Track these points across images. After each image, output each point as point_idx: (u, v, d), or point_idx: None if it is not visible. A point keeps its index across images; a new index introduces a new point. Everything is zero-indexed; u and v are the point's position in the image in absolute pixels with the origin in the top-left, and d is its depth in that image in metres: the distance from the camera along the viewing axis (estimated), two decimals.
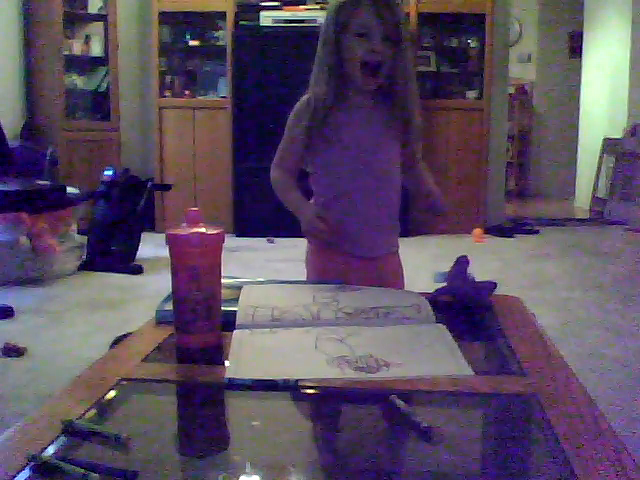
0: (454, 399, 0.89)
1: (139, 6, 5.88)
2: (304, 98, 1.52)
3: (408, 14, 5.30)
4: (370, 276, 1.51)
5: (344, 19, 1.44)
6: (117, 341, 2.27)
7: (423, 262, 4.03)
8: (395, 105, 1.49)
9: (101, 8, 5.46)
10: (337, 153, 1.51)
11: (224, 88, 5.66)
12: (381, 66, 1.44)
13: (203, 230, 1.04)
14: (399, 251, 1.66)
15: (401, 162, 1.57)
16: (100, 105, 5.56)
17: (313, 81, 1.51)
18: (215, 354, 1.04)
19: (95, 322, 3.21)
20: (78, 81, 5.48)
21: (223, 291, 1.09)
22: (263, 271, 4.21)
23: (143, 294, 3.67)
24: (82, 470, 0.66)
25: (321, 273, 1.57)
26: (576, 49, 8.51)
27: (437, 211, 1.57)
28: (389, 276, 1.59)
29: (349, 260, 1.55)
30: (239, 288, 1.27)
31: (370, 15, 1.42)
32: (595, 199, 7.31)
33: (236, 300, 1.20)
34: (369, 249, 1.56)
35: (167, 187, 5.27)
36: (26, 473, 0.68)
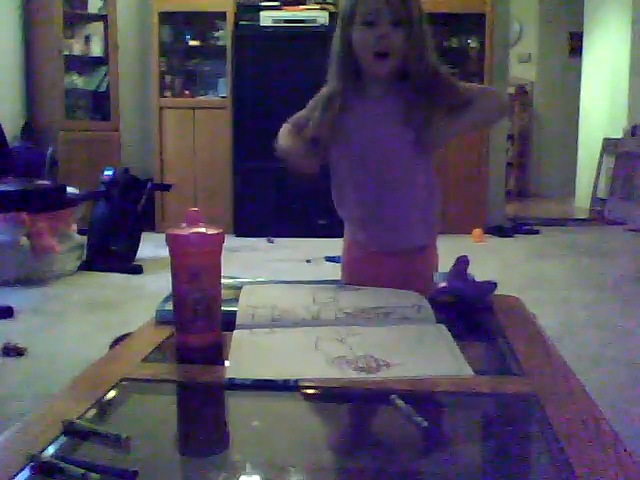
0: (454, 399, 0.89)
1: (139, 6, 5.88)
2: (324, 90, 1.51)
3: None
4: (400, 271, 1.51)
5: (351, 10, 1.41)
6: (117, 341, 2.27)
7: None
8: (414, 88, 1.42)
9: (101, 8, 5.46)
10: (353, 146, 1.48)
11: (224, 88, 5.66)
12: (391, 53, 1.40)
13: (203, 230, 1.04)
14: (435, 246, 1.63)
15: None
16: (100, 105, 5.56)
17: (329, 76, 1.50)
18: (215, 354, 1.04)
19: (95, 322, 3.21)
20: (78, 81, 5.48)
21: (223, 291, 1.09)
22: (263, 271, 4.21)
23: (143, 294, 3.67)
24: (82, 470, 0.66)
25: (355, 269, 1.60)
26: (576, 49, 8.51)
27: None
28: (421, 272, 1.55)
29: (383, 257, 1.55)
30: (239, 288, 1.27)
31: (376, 1, 1.38)
32: (595, 199, 7.31)
33: (236, 300, 1.20)
34: (393, 242, 1.55)
35: (167, 187, 5.27)
36: (26, 473, 0.68)
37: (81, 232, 4.40)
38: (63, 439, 0.76)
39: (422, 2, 1.44)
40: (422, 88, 1.42)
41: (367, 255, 1.57)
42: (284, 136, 1.53)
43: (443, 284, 1.33)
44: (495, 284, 1.36)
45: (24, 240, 3.87)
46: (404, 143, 1.46)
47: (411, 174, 1.52)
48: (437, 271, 1.59)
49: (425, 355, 1.01)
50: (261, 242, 5.30)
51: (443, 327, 1.11)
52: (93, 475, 0.66)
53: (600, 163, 7.27)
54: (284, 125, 1.57)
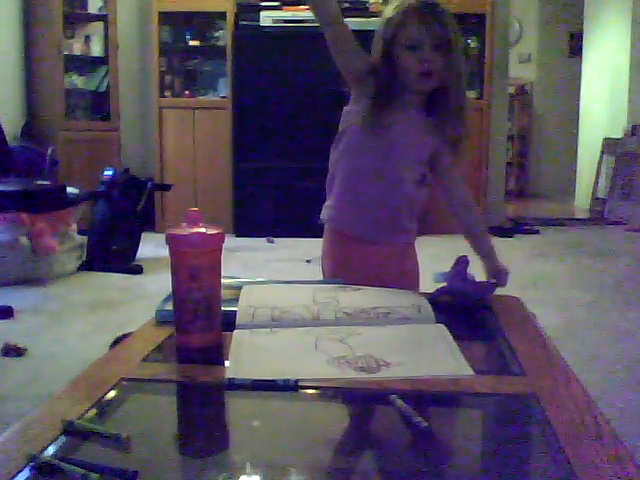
0: (454, 399, 0.89)
1: (139, 6, 5.88)
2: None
3: None
4: (385, 264, 1.56)
5: (393, 32, 1.46)
6: (117, 341, 2.27)
7: (423, 262, 4.02)
8: (446, 112, 1.51)
9: (101, 8, 5.46)
10: (377, 141, 1.52)
11: (224, 88, 5.65)
12: (434, 73, 1.46)
13: (203, 230, 1.04)
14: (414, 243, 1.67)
15: (437, 173, 1.59)
16: (100, 105, 5.55)
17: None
18: (215, 354, 1.04)
19: (95, 322, 3.21)
20: (78, 81, 5.48)
21: (223, 291, 1.09)
22: (263, 271, 4.21)
23: (143, 294, 3.67)
24: (82, 470, 0.66)
25: (337, 258, 1.62)
26: (576, 49, 8.51)
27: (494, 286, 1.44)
28: (405, 269, 1.61)
29: (363, 246, 1.57)
30: (239, 288, 1.27)
31: (418, 28, 1.44)
32: (595, 199, 7.31)
33: (236, 300, 1.20)
34: (376, 235, 1.57)
35: (167, 187, 5.27)
36: (26, 473, 0.68)
37: (81, 232, 4.40)
38: (63, 439, 0.76)
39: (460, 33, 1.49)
40: (450, 115, 1.51)
41: (349, 245, 1.59)
42: None
43: (443, 284, 1.33)
44: (495, 284, 1.36)
45: (24, 240, 3.87)
46: (428, 148, 1.55)
47: (422, 175, 1.59)
48: (417, 271, 1.66)
49: (425, 355, 1.01)
50: (261, 242, 5.30)
51: (443, 327, 1.11)
52: (93, 475, 0.66)
53: (600, 163, 7.27)
54: None
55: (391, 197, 1.55)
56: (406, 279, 1.59)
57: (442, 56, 1.45)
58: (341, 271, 1.56)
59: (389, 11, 1.48)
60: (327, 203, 1.63)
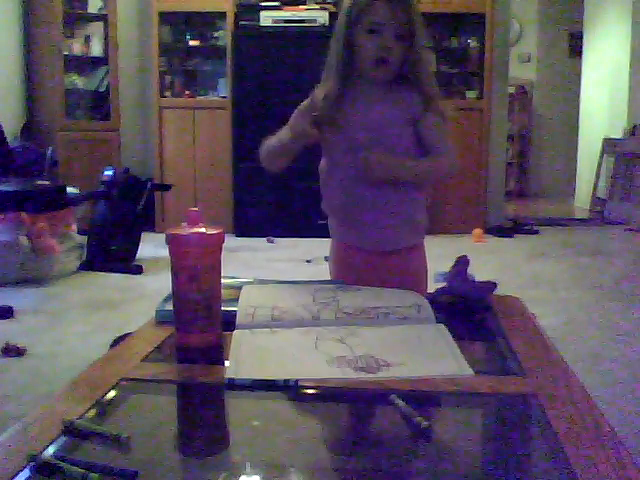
0: (454, 399, 0.89)
1: (139, 6, 5.88)
2: (310, 96, 1.53)
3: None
4: (390, 271, 1.52)
5: (357, 15, 1.44)
6: (117, 341, 2.27)
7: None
8: (411, 85, 1.47)
9: (101, 8, 5.46)
10: (345, 141, 1.50)
11: (224, 88, 5.66)
12: (392, 62, 1.44)
13: (203, 230, 1.04)
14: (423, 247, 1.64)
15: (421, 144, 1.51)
16: (100, 105, 5.56)
17: (325, 75, 1.52)
18: (215, 354, 1.04)
19: (95, 322, 3.21)
20: (78, 81, 5.48)
21: (223, 291, 1.09)
22: (263, 271, 4.21)
23: (143, 294, 3.67)
24: (82, 470, 0.66)
25: (342, 268, 1.59)
26: (576, 49, 8.51)
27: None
28: (409, 273, 1.57)
29: (368, 255, 1.55)
30: (239, 288, 1.27)
31: (384, 12, 1.41)
32: (595, 199, 7.31)
33: (236, 300, 1.20)
34: (376, 242, 1.55)
35: (167, 187, 5.27)
36: (26, 473, 0.68)
37: (81, 232, 4.41)
38: (63, 439, 0.76)
39: (423, 18, 1.47)
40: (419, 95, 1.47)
41: (353, 254, 1.57)
42: (268, 145, 1.54)
43: (443, 284, 1.33)
44: (495, 284, 1.36)
45: (24, 240, 3.87)
46: (400, 140, 1.49)
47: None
48: (427, 275, 1.60)
49: (425, 355, 1.01)
50: (261, 242, 5.30)
51: (443, 327, 1.11)
52: (93, 475, 0.66)
53: (600, 163, 7.27)
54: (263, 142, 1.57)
55: (381, 190, 1.50)
56: (412, 283, 1.56)
57: (403, 48, 1.42)
58: (346, 276, 1.54)
59: None
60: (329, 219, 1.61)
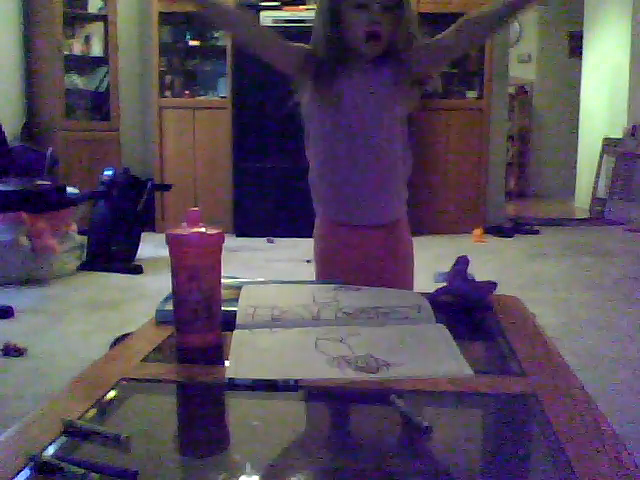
0: (454, 399, 0.89)
1: (139, 6, 5.88)
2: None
3: None
4: (376, 245, 1.54)
5: None
6: (117, 341, 2.27)
7: (423, 262, 4.02)
8: (400, 64, 1.46)
9: (101, 8, 5.46)
10: (333, 116, 1.49)
11: (224, 88, 5.66)
12: (383, 36, 1.42)
13: (203, 230, 1.04)
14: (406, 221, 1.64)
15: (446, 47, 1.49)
16: (100, 105, 5.56)
17: (311, 45, 1.51)
18: (215, 354, 1.04)
19: (95, 322, 3.21)
20: (78, 81, 5.48)
21: (223, 291, 1.09)
22: (263, 271, 4.21)
23: (143, 294, 3.67)
24: (82, 470, 0.66)
25: (328, 245, 1.59)
26: (576, 49, 8.51)
27: None
28: (397, 246, 1.59)
29: (353, 230, 1.56)
30: (239, 288, 1.27)
31: None
32: (595, 199, 7.31)
33: (236, 300, 1.20)
34: (361, 217, 1.55)
35: (167, 187, 5.27)
36: (26, 473, 0.68)
37: (81, 232, 4.41)
38: (63, 439, 0.75)
39: None
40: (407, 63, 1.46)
41: (338, 230, 1.57)
42: None
43: (443, 284, 1.33)
44: (495, 284, 1.36)
45: (24, 240, 3.87)
46: (387, 111, 1.49)
47: (391, 143, 1.53)
48: (412, 248, 1.64)
49: (425, 355, 1.01)
50: (261, 242, 5.30)
51: (443, 327, 1.11)
52: (93, 475, 0.66)
53: (600, 163, 7.27)
54: None
55: (366, 163, 1.50)
56: (399, 261, 1.57)
57: (392, 19, 1.41)
58: (332, 253, 1.55)
59: None
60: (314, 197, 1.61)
